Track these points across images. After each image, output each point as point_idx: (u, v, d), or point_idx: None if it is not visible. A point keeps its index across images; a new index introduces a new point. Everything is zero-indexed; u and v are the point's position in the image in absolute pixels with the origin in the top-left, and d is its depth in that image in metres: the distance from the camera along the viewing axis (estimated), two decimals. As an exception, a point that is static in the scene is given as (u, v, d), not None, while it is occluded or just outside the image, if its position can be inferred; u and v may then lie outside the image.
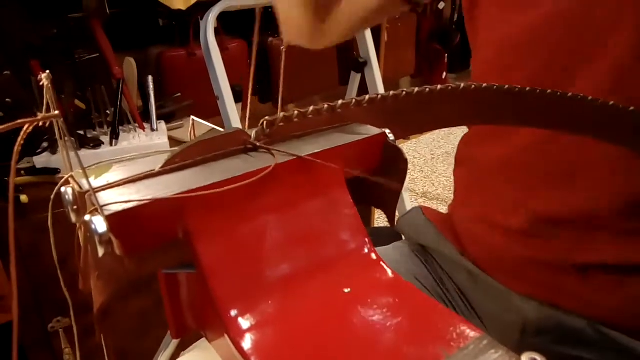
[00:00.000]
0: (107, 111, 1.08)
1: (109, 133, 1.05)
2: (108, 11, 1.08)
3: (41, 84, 0.20)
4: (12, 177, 0.16)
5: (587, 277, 0.45)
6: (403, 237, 0.66)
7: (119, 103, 1.06)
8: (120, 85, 1.07)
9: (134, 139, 1.07)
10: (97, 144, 1.02)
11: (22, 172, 0.97)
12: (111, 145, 1.03)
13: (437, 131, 2.97)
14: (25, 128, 0.16)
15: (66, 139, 0.19)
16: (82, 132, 1.05)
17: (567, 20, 0.41)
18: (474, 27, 0.52)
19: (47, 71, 0.21)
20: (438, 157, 2.68)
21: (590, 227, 0.44)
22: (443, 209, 0.62)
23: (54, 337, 0.97)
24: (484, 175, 0.53)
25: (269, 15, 1.71)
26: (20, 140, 0.16)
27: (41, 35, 1.12)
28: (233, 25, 1.54)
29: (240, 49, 1.54)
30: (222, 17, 1.08)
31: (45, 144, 0.98)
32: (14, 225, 0.17)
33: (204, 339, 0.36)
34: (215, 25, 1.07)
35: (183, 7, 1.27)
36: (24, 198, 0.88)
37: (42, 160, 0.97)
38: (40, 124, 0.19)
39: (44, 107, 0.20)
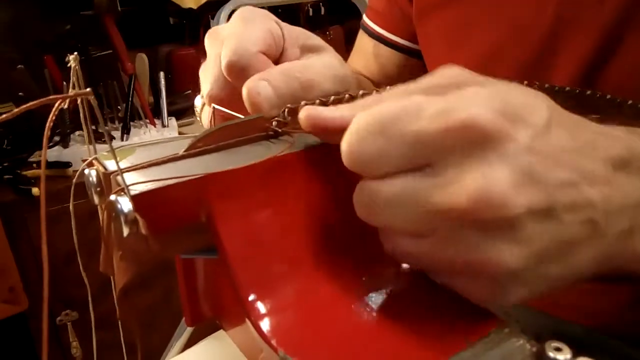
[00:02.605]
0: (119, 107, 1.08)
1: (120, 128, 1.05)
2: (119, 9, 1.09)
3: (69, 65, 0.20)
4: (44, 157, 0.16)
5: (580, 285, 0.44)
6: None
7: (130, 99, 1.07)
8: (132, 81, 1.07)
9: (145, 135, 1.07)
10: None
11: (34, 165, 0.97)
12: (122, 140, 1.04)
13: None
14: (57, 104, 0.16)
15: (95, 117, 0.19)
16: (93, 127, 1.06)
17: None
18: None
19: (75, 53, 0.21)
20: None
21: None
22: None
23: (62, 331, 0.97)
24: None
25: (278, 15, 1.71)
26: (52, 116, 0.16)
27: (54, 32, 1.14)
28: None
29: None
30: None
31: (57, 138, 0.99)
32: (45, 212, 0.17)
33: (208, 337, 0.36)
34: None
35: (194, 6, 1.27)
36: (35, 191, 0.88)
37: (54, 154, 0.97)
38: (66, 105, 0.20)
39: (70, 87, 0.20)
